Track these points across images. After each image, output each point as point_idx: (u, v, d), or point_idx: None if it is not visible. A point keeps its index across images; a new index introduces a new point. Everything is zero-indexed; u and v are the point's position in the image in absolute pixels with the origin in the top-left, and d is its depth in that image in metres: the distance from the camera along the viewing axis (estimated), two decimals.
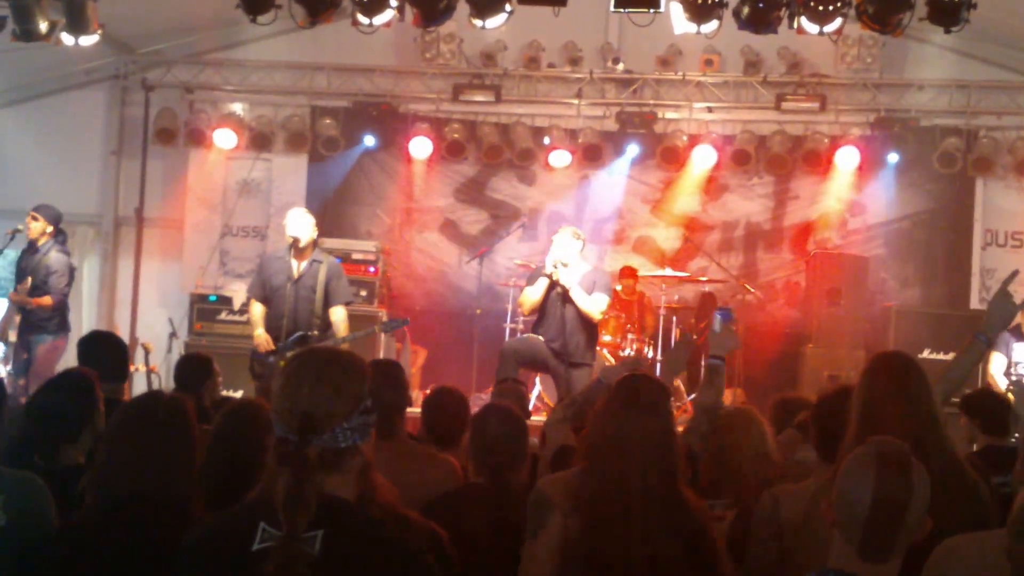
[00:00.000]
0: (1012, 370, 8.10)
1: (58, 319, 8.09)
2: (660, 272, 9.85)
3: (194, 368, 5.37)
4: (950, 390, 3.42)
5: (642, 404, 2.93)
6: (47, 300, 7.89)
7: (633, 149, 10.39)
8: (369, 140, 10.57)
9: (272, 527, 1.99)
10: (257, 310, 7.19)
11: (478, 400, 7.89)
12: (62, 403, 3.63)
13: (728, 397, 8.35)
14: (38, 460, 3.42)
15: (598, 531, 2.77)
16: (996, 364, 8.16)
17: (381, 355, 9.03)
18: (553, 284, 7.30)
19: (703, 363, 9.35)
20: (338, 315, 7.18)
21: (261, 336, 7.06)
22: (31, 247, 8.05)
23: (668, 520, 2.76)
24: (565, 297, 7.33)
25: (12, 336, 7.87)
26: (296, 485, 1.95)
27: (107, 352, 4.92)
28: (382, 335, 9.17)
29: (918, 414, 2.98)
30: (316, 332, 7.07)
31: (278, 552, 1.92)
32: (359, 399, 2.11)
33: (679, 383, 9.10)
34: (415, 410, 6.10)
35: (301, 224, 7.17)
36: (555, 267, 7.25)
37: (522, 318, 9.15)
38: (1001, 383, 8.02)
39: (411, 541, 2.13)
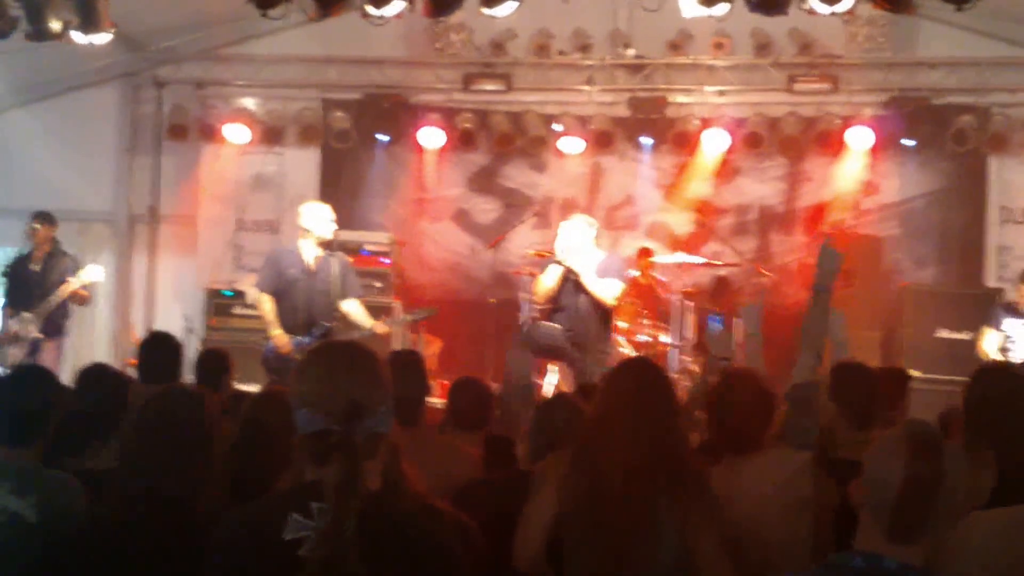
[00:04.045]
0: (1005, 345, 8.02)
1: (68, 319, 8.30)
2: (673, 259, 9.81)
3: (213, 363, 5.40)
4: (816, 347, 3.45)
5: (630, 383, 3.13)
6: (87, 294, 8.20)
7: (649, 140, 10.39)
8: (383, 136, 10.60)
9: (303, 518, 2.01)
10: (269, 307, 7.16)
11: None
12: (92, 403, 3.66)
13: None
14: (69, 460, 3.44)
15: (582, 503, 2.94)
16: (989, 340, 8.10)
17: (397, 346, 9.06)
18: (567, 272, 7.31)
19: None
20: (356, 307, 7.18)
21: (282, 337, 7.04)
22: (32, 253, 8.28)
23: (651, 486, 2.90)
24: (578, 285, 7.34)
25: (34, 331, 7.98)
26: (349, 474, 1.97)
27: (159, 354, 4.96)
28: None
29: None
30: (338, 323, 7.08)
31: (325, 541, 1.94)
32: (387, 384, 2.16)
33: (696, 367, 9.08)
34: (433, 400, 6.16)
35: (323, 217, 7.19)
36: (567, 252, 7.27)
37: (537, 306, 9.15)
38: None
39: (440, 532, 2.14)
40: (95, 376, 4.00)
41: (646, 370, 3.23)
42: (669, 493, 2.91)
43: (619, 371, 3.28)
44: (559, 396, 3.92)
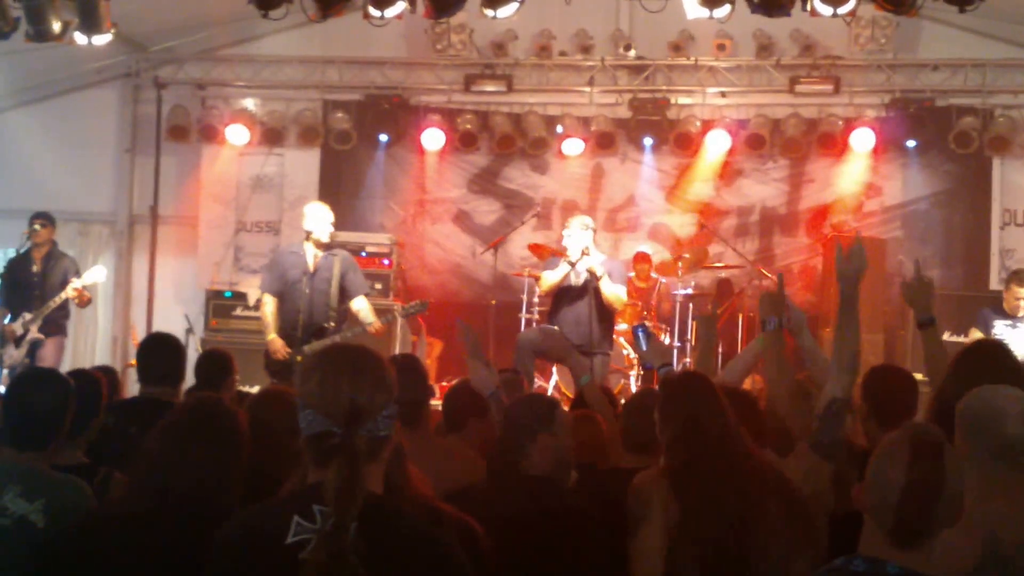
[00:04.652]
0: None
1: (68, 319, 8.35)
2: (677, 267, 9.79)
3: (214, 365, 5.35)
4: (852, 364, 3.39)
5: (692, 394, 3.19)
6: (89, 295, 8.20)
7: (650, 141, 10.38)
8: (383, 137, 10.59)
9: (306, 521, 2.00)
10: (269, 309, 7.14)
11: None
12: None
13: (748, 383, 8.32)
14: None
15: (699, 512, 2.93)
16: None
17: (397, 347, 9.06)
18: (590, 274, 7.35)
19: (719, 351, 9.44)
20: (362, 304, 7.16)
21: (276, 342, 7.03)
22: (31, 254, 8.27)
23: (756, 484, 2.97)
24: (584, 288, 7.38)
25: (35, 332, 7.98)
26: (348, 476, 1.96)
27: (160, 355, 4.92)
28: (398, 328, 9.18)
29: None
30: (333, 324, 7.06)
31: (325, 544, 1.92)
32: (392, 389, 2.14)
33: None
34: (435, 403, 6.12)
35: (321, 218, 7.18)
36: (583, 255, 7.31)
37: (537, 308, 9.15)
38: None
39: (443, 536, 2.13)
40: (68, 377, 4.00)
41: (709, 389, 3.23)
42: (785, 519, 2.94)
43: (686, 390, 3.24)
44: (530, 397, 3.82)
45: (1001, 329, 7.86)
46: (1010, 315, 7.84)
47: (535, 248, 9.27)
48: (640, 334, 4.25)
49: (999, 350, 3.41)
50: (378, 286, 9.65)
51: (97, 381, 3.94)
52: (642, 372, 8.67)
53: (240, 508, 2.42)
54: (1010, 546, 2.57)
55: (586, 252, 7.34)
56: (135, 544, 2.56)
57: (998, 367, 3.24)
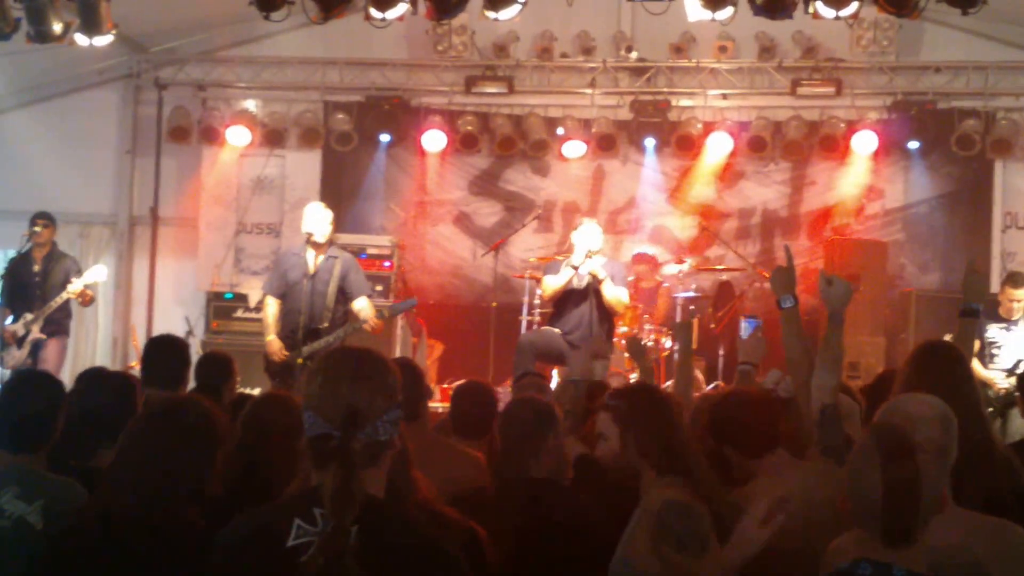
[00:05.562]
0: (986, 351, 7.86)
1: (70, 319, 8.33)
2: (677, 267, 9.77)
3: (215, 367, 5.34)
4: (836, 367, 3.43)
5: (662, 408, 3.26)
6: (92, 294, 8.18)
7: (652, 143, 10.37)
8: (384, 138, 10.58)
9: (307, 523, 2.00)
10: (271, 311, 7.14)
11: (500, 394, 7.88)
12: (104, 405, 3.63)
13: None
14: (74, 463, 3.41)
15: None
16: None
17: (398, 350, 9.04)
18: (592, 277, 7.36)
19: (720, 353, 9.45)
20: (363, 303, 7.13)
21: (274, 343, 7.02)
22: (31, 254, 8.25)
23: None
24: (587, 290, 7.38)
25: (36, 332, 7.97)
26: (344, 479, 1.96)
27: (165, 357, 4.91)
28: (398, 330, 9.17)
29: (958, 400, 2.96)
30: (327, 324, 7.03)
31: (325, 546, 1.92)
32: (394, 393, 2.14)
33: (698, 373, 9.04)
34: (434, 405, 6.13)
35: (318, 219, 7.17)
36: (587, 257, 7.31)
37: (538, 310, 9.14)
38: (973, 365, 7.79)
39: (444, 540, 2.12)
40: (99, 378, 3.96)
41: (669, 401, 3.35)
42: None
43: (652, 403, 3.28)
44: (517, 400, 3.80)
45: (995, 333, 7.78)
46: (1005, 318, 7.74)
47: (544, 260, 9.29)
48: (747, 324, 4.32)
49: (950, 353, 3.43)
50: (379, 288, 9.64)
51: (129, 381, 3.91)
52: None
53: (235, 507, 2.41)
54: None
55: (589, 255, 7.35)
56: (93, 549, 2.56)
57: (948, 372, 3.26)
